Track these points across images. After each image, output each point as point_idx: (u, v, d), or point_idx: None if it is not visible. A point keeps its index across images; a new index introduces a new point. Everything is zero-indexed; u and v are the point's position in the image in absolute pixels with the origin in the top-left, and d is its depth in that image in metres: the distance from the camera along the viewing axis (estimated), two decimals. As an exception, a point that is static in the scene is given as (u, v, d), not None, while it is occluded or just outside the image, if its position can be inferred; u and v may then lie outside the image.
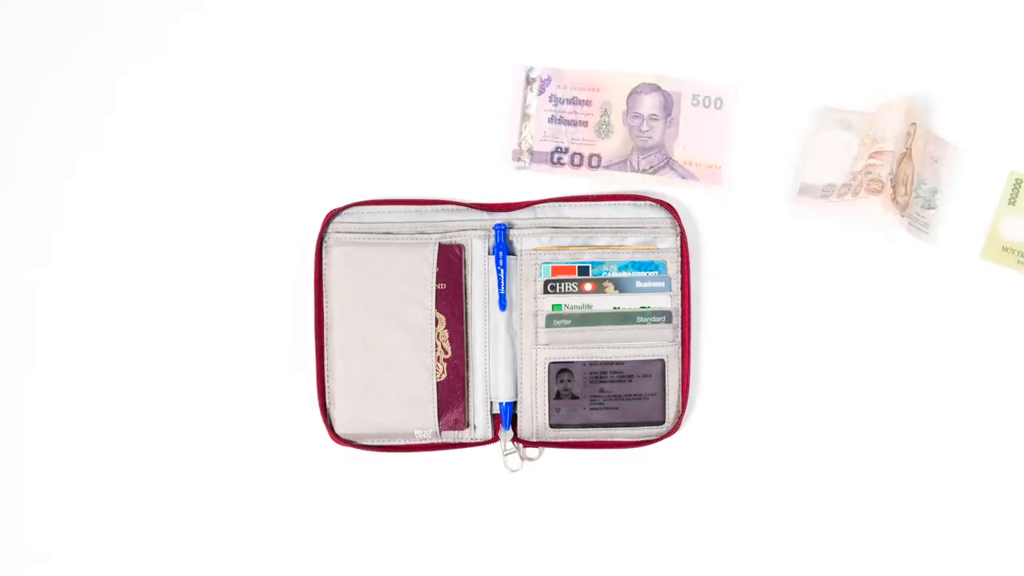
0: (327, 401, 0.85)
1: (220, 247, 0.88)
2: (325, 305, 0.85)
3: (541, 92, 0.85)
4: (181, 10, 0.89)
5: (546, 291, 0.85)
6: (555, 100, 0.85)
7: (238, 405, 0.88)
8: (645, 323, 0.85)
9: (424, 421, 0.84)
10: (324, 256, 0.85)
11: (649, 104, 0.86)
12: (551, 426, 0.85)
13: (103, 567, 0.88)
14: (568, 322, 0.85)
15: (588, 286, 0.85)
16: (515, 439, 0.86)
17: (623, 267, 0.85)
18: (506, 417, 0.86)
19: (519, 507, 0.88)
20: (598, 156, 0.85)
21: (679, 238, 0.86)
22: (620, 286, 0.85)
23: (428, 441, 0.86)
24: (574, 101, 0.86)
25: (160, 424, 0.88)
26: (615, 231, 0.86)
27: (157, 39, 0.89)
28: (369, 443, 0.85)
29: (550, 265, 0.85)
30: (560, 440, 0.86)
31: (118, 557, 0.88)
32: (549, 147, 0.86)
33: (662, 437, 0.85)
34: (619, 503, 0.88)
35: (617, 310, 0.85)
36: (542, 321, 0.85)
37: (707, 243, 0.88)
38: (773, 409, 0.87)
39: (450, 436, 0.86)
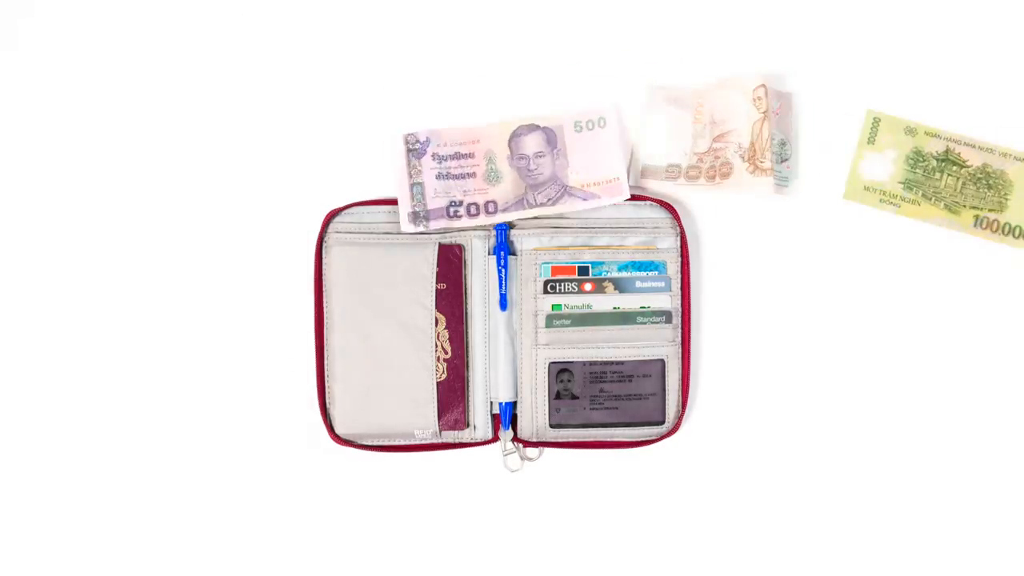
0: (327, 401, 0.85)
1: (220, 247, 0.88)
2: (325, 305, 0.85)
3: (422, 155, 0.85)
4: (181, 10, 0.89)
5: (546, 291, 0.85)
6: (438, 158, 0.85)
7: (238, 405, 0.88)
8: (645, 323, 0.85)
9: (424, 421, 0.84)
10: (324, 256, 0.85)
11: (532, 144, 0.86)
12: (551, 426, 0.85)
13: (104, 566, 0.88)
14: (568, 322, 0.85)
15: (588, 286, 0.85)
16: (515, 439, 0.86)
17: (623, 267, 0.85)
18: (506, 417, 0.86)
19: (519, 507, 0.88)
20: (493, 202, 0.86)
21: (679, 238, 0.86)
22: (620, 286, 0.85)
23: (428, 441, 0.86)
24: (457, 156, 0.86)
25: (161, 424, 0.88)
26: (615, 231, 0.86)
27: (157, 39, 0.89)
28: (369, 443, 0.85)
29: (550, 265, 0.85)
30: (560, 440, 0.86)
31: (119, 556, 0.88)
32: (443, 202, 0.86)
33: (662, 437, 0.85)
34: (619, 503, 0.88)
35: (617, 310, 0.85)
36: (542, 321, 0.85)
37: (707, 243, 0.88)
38: (773, 409, 0.87)
39: (450, 436, 0.86)
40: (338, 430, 0.85)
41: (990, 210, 0.86)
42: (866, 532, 0.87)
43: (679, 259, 0.86)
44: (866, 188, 0.86)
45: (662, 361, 0.85)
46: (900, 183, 0.85)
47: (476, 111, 0.87)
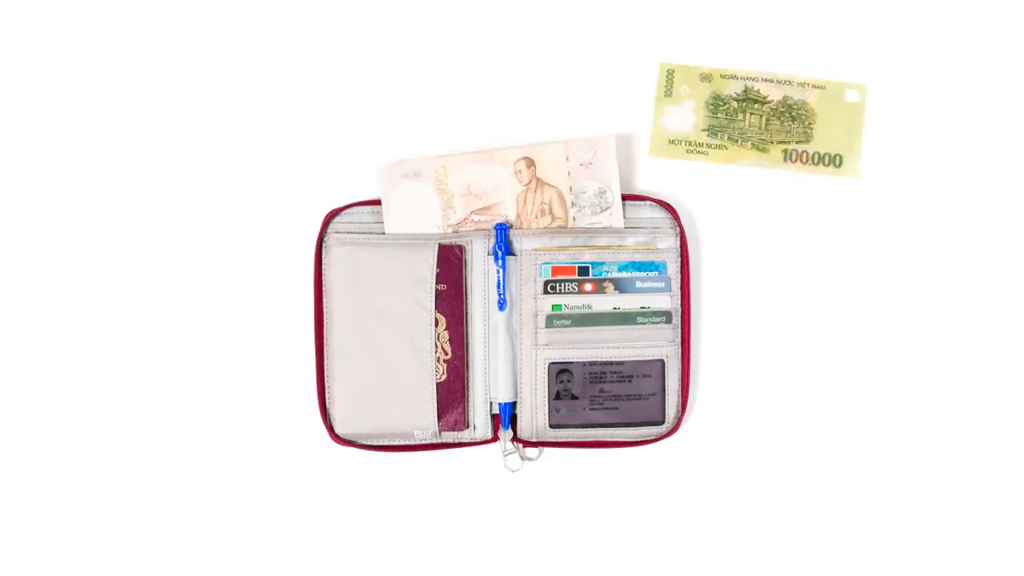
0: (327, 401, 0.85)
1: (220, 247, 0.88)
2: (325, 305, 0.85)
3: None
4: (182, 9, 0.89)
5: (546, 291, 0.85)
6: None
7: (238, 405, 0.88)
8: (645, 323, 0.85)
9: (424, 421, 0.84)
10: (324, 256, 0.85)
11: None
12: (551, 426, 0.85)
13: (103, 567, 0.88)
14: (568, 322, 0.85)
15: (588, 286, 0.85)
16: (515, 439, 0.86)
17: (623, 267, 0.85)
18: (506, 417, 0.86)
19: (519, 507, 0.88)
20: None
21: (679, 238, 0.86)
22: (620, 286, 0.85)
23: (428, 441, 0.86)
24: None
25: (161, 424, 0.88)
26: (615, 231, 0.86)
27: (157, 38, 0.89)
28: (369, 443, 0.85)
29: (550, 265, 0.85)
30: (560, 440, 0.86)
31: (118, 557, 0.88)
32: None
33: (662, 437, 0.85)
34: (619, 503, 0.88)
35: (617, 310, 0.85)
36: (542, 321, 0.85)
37: (707, 243, 0.88)
38: (773, 409, 0.87)
39: (450, 436, 0.86)
40: (338, 430, 0.85)
41: (797, 142, 0.86)
42: (866, 531, 0.87)
43: (679, 259, 0.86)
44: (671, 142, 0.86)
45: (662, 361, 0.85)
46: (704, 130, 0.86)
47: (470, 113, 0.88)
